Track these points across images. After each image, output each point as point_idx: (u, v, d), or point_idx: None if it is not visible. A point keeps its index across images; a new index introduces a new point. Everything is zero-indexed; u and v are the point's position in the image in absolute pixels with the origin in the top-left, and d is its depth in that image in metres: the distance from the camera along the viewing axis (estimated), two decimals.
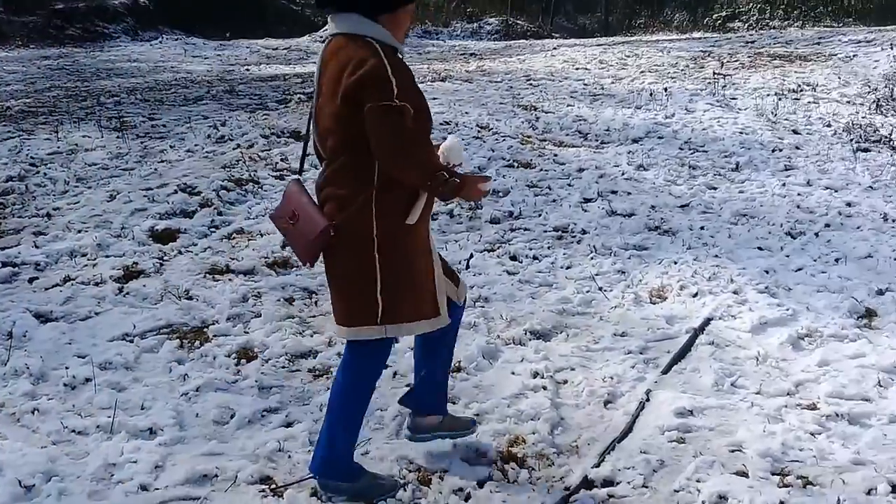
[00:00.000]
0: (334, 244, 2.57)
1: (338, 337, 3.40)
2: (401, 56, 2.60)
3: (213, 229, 5.40)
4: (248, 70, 12.65)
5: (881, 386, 3.50)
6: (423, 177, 2.51)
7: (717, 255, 5.12)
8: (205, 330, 4.02)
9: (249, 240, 5.21)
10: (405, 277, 2.63)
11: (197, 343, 3.88)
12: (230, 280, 4.62)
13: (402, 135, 2.48)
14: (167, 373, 3.61)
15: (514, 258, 5.10)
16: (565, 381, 3.62)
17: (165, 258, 4.89)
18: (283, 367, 3.71)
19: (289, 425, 3.22)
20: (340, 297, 2.67)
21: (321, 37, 18.14)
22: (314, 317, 4.23)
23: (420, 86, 7.82)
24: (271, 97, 9.70)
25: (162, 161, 6.71)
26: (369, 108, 2.42)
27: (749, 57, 12.66)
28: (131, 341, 3.88)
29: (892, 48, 11.96)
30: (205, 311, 4.20)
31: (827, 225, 5.77)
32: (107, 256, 4.86)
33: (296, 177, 2.78)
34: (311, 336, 3.99)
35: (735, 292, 4.51)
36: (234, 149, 7.06)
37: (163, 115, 8.55)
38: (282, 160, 6.78)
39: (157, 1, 18.96)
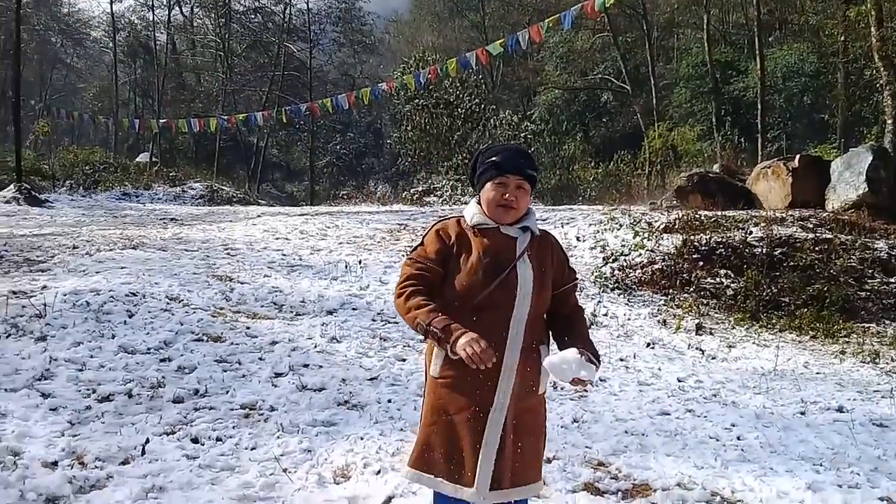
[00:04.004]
0: None
1: None
2: (475, 232, 2.98)
3: None
4: None
5: None
6: (409, 325, 2.86)
7: (402, 429, 5.20)
8: None
9: None
10: (421, 426, 3.00)
11: None
12: None
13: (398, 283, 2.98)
14: None
15: (195, 441, 4.84)
16: None
17: None
18: None
19: None
20: None
21: None
22: None
23: (108, 254, 7.46)
24: None
25: None
26: None
27: None
28: None
29: (562, 226, 13.35)
30: None
31: None
32: None
33: None
34: None
35: None
36: None
37: None
38: None
39: None
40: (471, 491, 2.83)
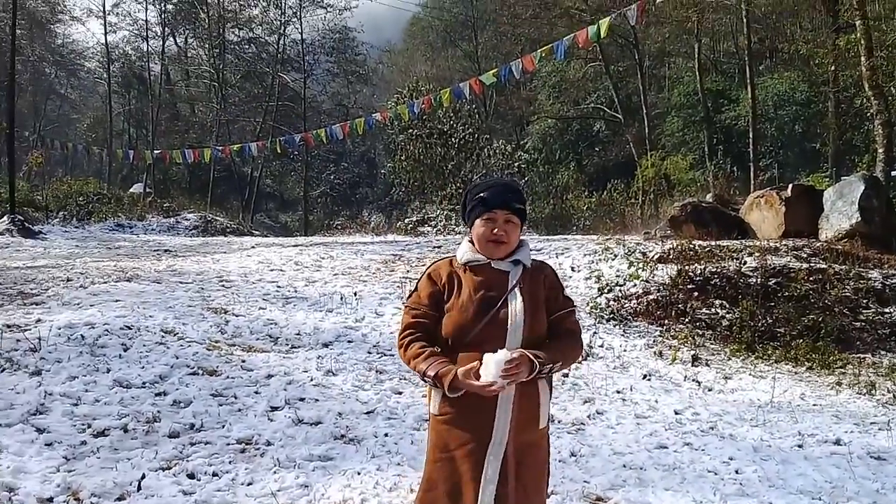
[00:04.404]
0: None
1: None
2: (466, 270, 3.03)
3: None
4: None
5: None
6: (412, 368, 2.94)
7: (399, 464, 5.18)
8: None
9: None
10: (425, 463, 3.03)
11: None
12: None
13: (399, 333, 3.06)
14: None
15: (191, 476, 4.81)
16: None
17: None
18: None
19: None
20: None
21: None
22: None
23: (102, 286, 7.50)
24: None
25: None
26: None
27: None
28: None
29: (557, 256, 13.36)
30: None
31: None
32: None
33: None
34: None
35: None
36: None
37: None
38: None
39: None
40: None
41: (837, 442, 6.35)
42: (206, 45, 45.70)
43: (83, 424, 5.38)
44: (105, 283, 9.91)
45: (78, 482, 4.53)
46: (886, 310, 10.69)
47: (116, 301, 8.74)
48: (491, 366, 2.73)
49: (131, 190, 33.86)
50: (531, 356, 2.79)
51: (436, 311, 3.00)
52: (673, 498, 4.89)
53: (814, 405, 7.69)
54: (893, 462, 5.93)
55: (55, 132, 46.75)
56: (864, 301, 10.86)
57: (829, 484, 5.33)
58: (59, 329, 7.23)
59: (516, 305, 2.91)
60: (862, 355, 9.73)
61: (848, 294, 10.95)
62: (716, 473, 5.44)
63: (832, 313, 10.47)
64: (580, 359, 8.26)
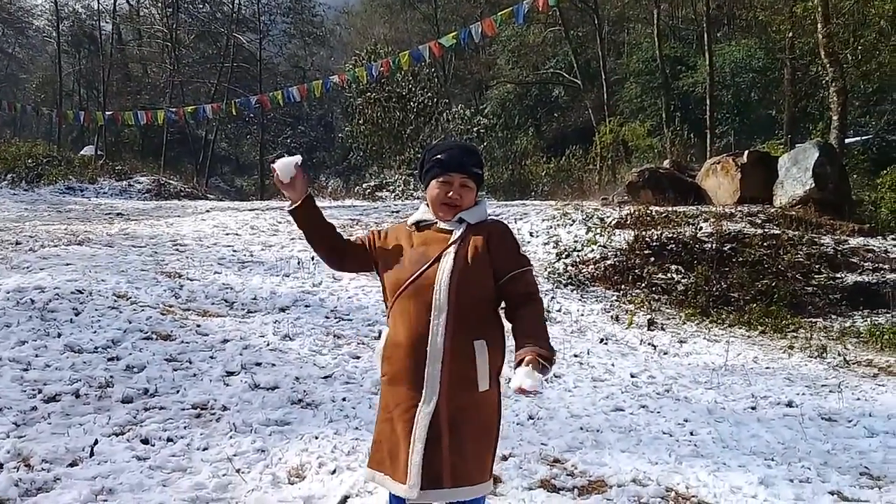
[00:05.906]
0: None
1: None
2: (414, 227, 3.10)
3: None
4: None
5: None
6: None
7: (357, 428, 5.15)
8: None
9: None
10: (375, 424, 3.06)
11: None
12: None
13: None
14: None
15: (146, 441, 4.73)
16: None
17: None
18: None
19: None
20: None
21: None
22: None
23: (53, 249, 7.30)
24: None
25: None
26: None
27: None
28: None
29: (515, 221, 13.38)
30: None
31: None
32: None
33: None
34: None
35: None
36: None
37: None
38: None
39: None
40: (403, 487, 2.81)
41: (790, 404, 6.47)
42: (159, 4, 44.56)
43: (33, 390, 5.27)
44: (55, 246, 9.70)
45: (29, 448, 4.43)
46: (838, 275, 10.89)
47: (67, 265, 8.56)
48: (279, 165, 3.26)
49: (82, 152, 33.08)
50: (540, 360, 2.73)
51: (366, 248, 3.20)
52: (629, 459, 4.94)
53: (767, 368, 7.82)
54: (844, 423, 6.05)
55: (2, 92, 45.39)
56: (817, 266, 11.04)
57: (782, 445, 5.43)
58: (8, 293, 7.05)
59: (447, 263, 2.89)
60: (814, 319, 9.92)
61: (801, 259, 11.13)
62: (671, 435, 5.50)
63: (785, 278, 10.65)
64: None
